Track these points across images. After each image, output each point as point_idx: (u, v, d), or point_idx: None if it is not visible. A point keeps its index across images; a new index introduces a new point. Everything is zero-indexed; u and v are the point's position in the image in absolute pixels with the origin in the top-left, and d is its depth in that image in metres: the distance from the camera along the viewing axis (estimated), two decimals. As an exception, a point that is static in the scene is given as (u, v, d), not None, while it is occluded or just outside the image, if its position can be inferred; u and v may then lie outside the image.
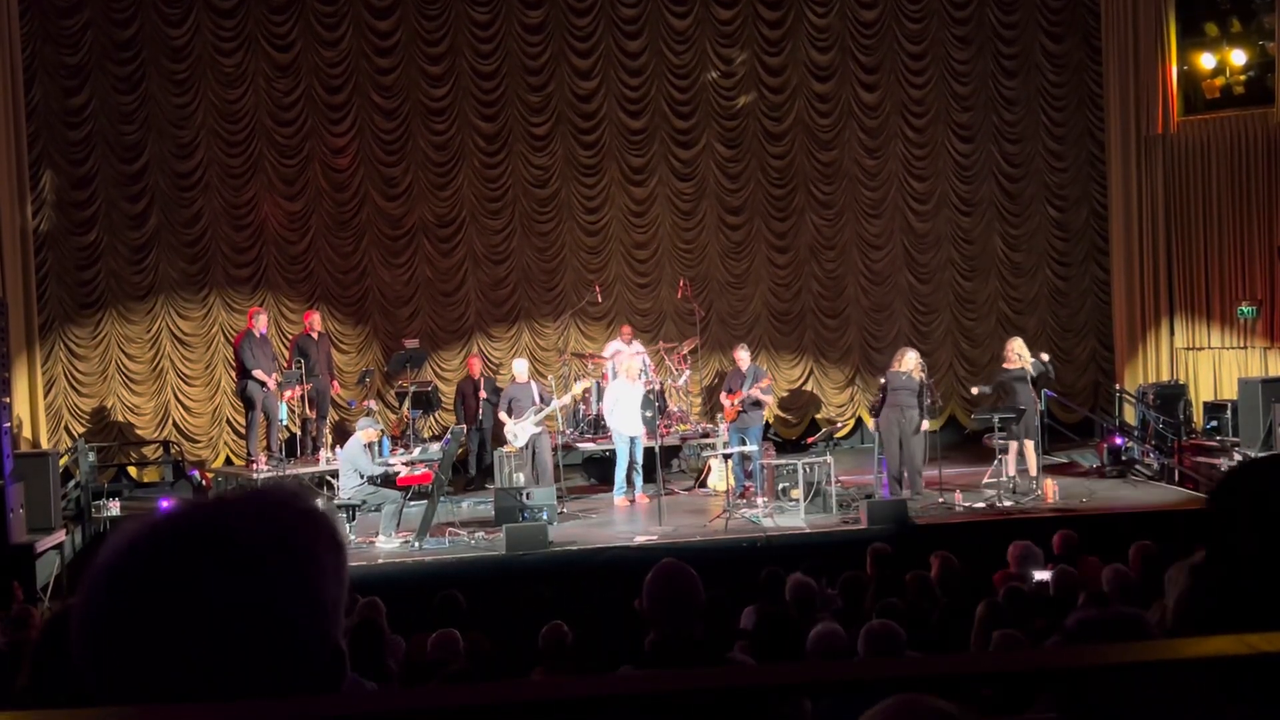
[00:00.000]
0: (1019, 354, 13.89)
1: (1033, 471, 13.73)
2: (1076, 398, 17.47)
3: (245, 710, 1.24)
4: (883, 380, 13.52)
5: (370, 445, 13.33)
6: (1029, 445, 13.76)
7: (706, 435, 15.67)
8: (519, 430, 13.90)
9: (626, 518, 13.48)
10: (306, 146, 16.84)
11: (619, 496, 14.10)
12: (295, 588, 1.32)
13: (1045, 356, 14.26)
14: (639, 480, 14.13)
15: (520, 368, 14.65)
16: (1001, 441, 13.71)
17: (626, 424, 13.91)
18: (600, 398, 15.37)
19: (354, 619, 6.76)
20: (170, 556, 1.29)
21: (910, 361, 13.38)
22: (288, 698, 1.31)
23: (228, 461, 16.39)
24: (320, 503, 1.54)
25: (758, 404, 14.38)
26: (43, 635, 2.56)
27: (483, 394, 15.69)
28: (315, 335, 15.51)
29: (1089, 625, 2.64)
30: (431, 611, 8.30)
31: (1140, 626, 2.51)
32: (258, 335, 14.95)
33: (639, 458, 14.08)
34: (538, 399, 14.21)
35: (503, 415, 14.24)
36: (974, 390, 14.37)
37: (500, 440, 15.42)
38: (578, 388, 15.24)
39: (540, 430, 14.00)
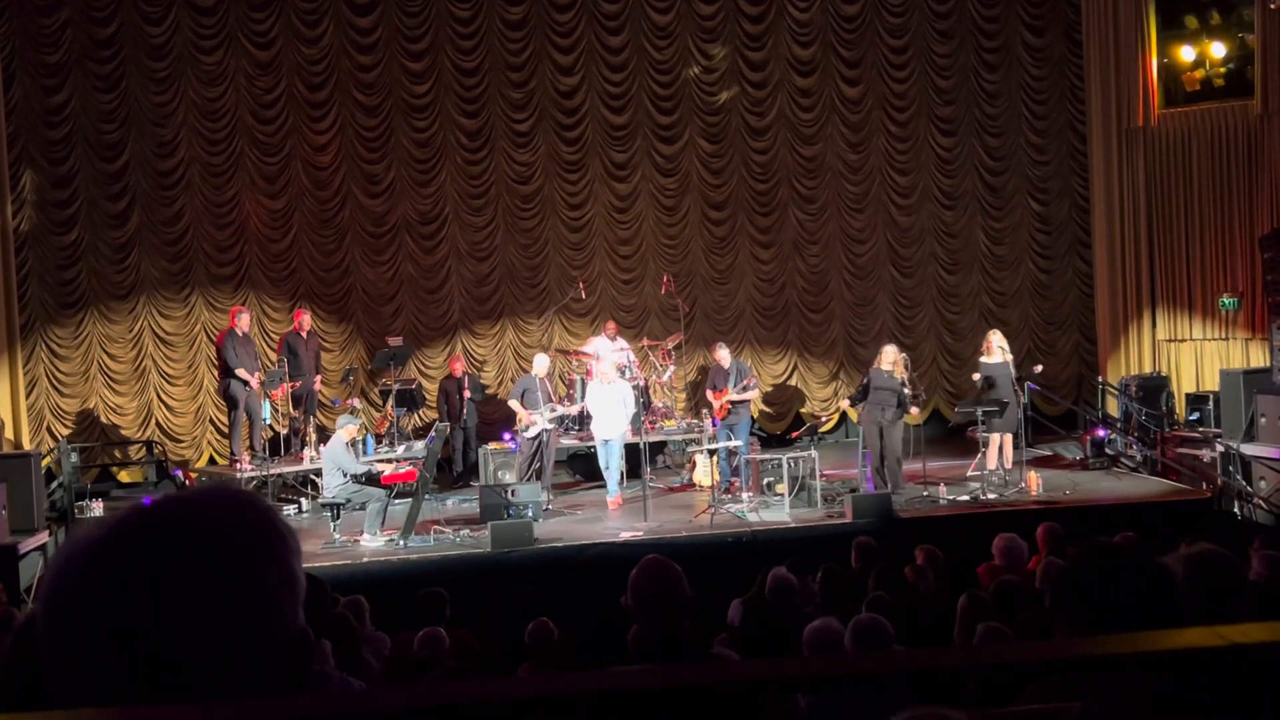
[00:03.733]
0: (1000, 347, 13.95)
1: (1008, 465, 13.80)
2: (1059, 390, 17.54)
3: (236, 711, 1.24)
4: (866, 378, 13.53)
5: (354, 443, 13.30)
6: (1008, 439, 13.81)
7: (690, 430, 15.68)
8: (534, 419, 13.84)
9: (612, 514, 13.43)
10: (288, 144, 16.78)
11: (610, 497, 13.81)
12: (273, 573, 1.34)
13: (1010, 358, 14.14)
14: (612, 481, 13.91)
15: (541, 364, 14.49)
16: (984, 435, 13.78)
17: (601, 426, 13.76)
18: (584, 394, 15.35)
19: (331, 616, 6.74)
20: (132, 554, 1.29)
21: (890, 357, 13.40)
22: (276, 697, 1.31)
23: (211, 461, 16.34)
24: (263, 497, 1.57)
25: (743, 399, 14.43)
26: (16, 639, 2.54)
27: (467, 392, 15.67)
28: (304, 334, 15.47)
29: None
30: (415, 609, 8.29)
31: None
32: (240, 334, 14.90)
33: (614, 460, 13.87)
34: (551, 394, 14.19)
35: (514, 403, 14.12)
36: (975, 377, 14.37)
37: (485, 438, 15.40)
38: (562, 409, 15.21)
39: (551, 426, 13.99)
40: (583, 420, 15.43)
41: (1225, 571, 3.09)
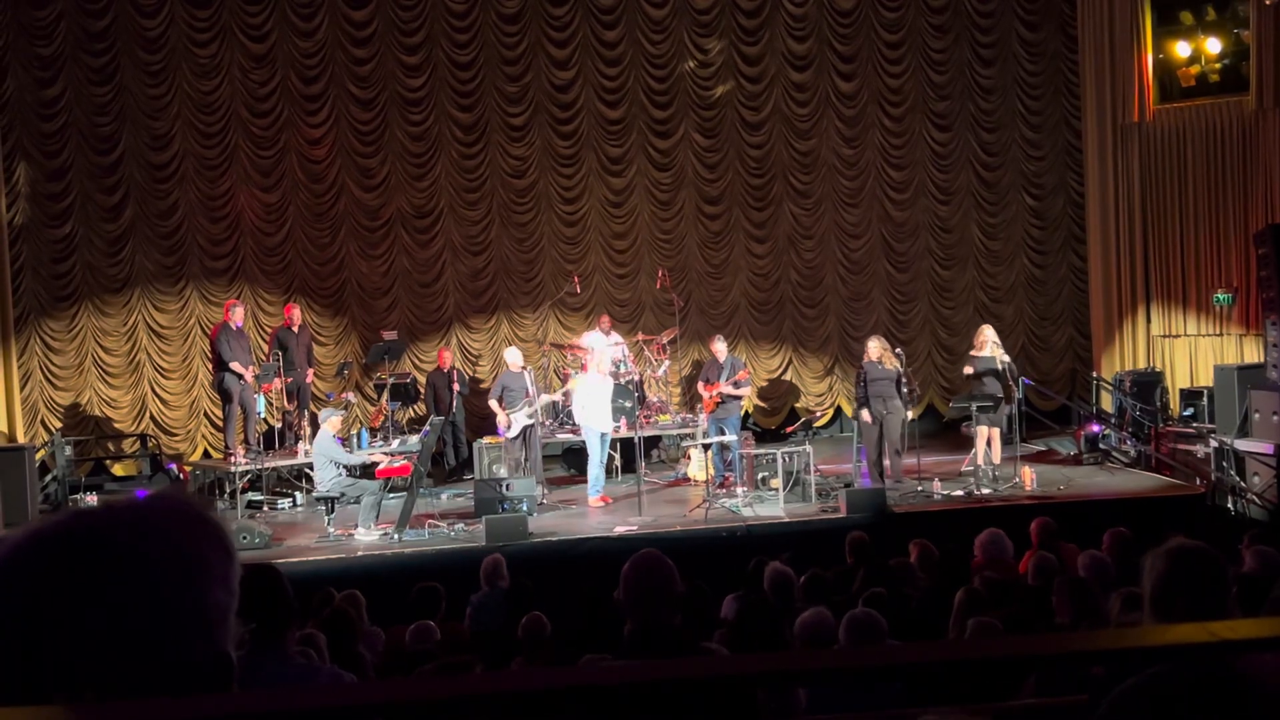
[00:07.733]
0: (994, 342, 13.92)
1: (996, 459, 13.79)
2: (1054, 385, 17.56)
3: (221, 704, 1.24)
4: (861, 372, 13.55)
5: (348, 436, 13.27)
6: (995, 434, 13.82)
7: (685, 425, 15.68)
8: (513, 419, 13.81)
9: (605, 510, 13.41)
10: (283, 137, 16.76)
11: (594, 495, 13.59)
12: (179, 596, 1.31)
13: (1006, 358, 14.06)
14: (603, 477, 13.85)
15: (514, 356, 14.46)
16: (972, 429, 13.81)
17: (600, 419, 13.60)
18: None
19: (328, 611, 6.76)
20: (49, 566, 1.28)
21: (874, 350, 13.43)
22: (260, 692, 1.31)
23: (205, 454, 16.32)
24: (214, 510, 1.52)
25: (735, 395, 14.42)
26: None
27: (456, 386, 15.67)
28: (295, 328, 15.46)
29: None
30: (410, 603, 8.30)
31: None
32: (234, 327, 14.88)
33: (605, 454, 13.83)
34: (531, 388, 14.14)
35: (493, 403, 14.08)
36: (966, 371, 14.33)
37: (477, 431, 15.37)
38: (572, 382, 15.15)
39: (532, 421, 13.95)
40: (557, 410, 15.27)
41: (1209, 567, 3.10)
